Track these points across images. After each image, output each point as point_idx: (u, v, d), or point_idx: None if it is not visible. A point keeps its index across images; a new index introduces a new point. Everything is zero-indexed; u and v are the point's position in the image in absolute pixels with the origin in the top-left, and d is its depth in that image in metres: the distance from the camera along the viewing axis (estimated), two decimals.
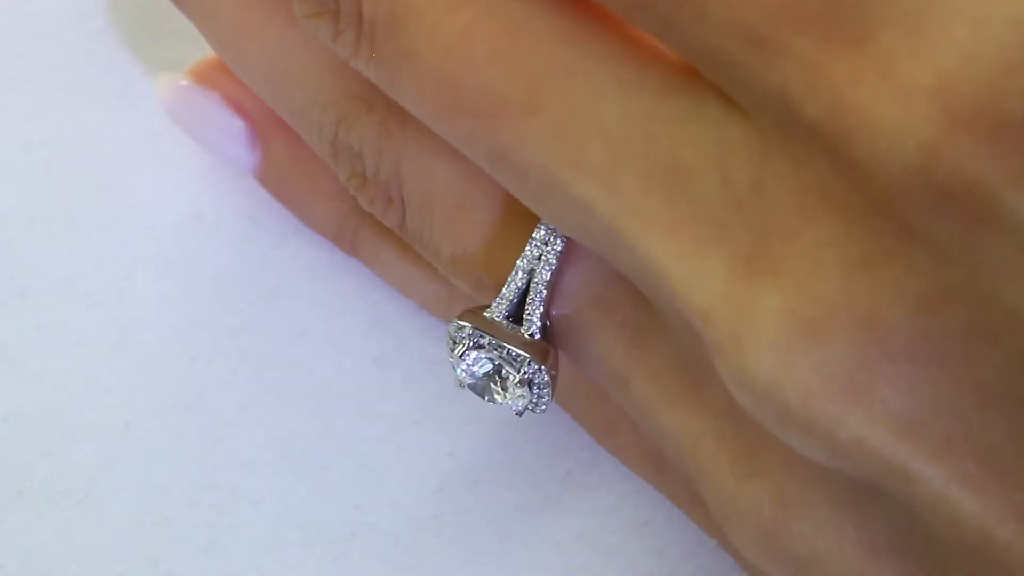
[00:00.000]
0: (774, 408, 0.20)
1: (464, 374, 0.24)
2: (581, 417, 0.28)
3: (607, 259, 0.22)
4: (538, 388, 0.24)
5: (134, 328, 0.28)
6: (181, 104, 0.29)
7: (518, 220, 0.24)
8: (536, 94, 0.21)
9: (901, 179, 0.18)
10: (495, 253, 0.24)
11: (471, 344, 0.24)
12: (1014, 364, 0.19)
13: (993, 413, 0.19)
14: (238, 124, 0.28)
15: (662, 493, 0.26)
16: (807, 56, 0.19)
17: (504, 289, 0.24)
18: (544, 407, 0.24)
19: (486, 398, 0.24)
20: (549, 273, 0.23)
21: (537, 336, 0.24)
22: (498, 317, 0.24)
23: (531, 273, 0.23)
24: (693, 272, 0.20)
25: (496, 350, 0.24)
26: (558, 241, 0.23)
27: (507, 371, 0.24)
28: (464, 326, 0.24)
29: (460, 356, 0.24)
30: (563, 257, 0.23)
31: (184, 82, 0.28)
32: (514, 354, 0.24)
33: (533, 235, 0.23)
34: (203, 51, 0.28)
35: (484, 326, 0.24)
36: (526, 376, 0.24)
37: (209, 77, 0.28)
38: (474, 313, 0.24)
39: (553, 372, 0.24)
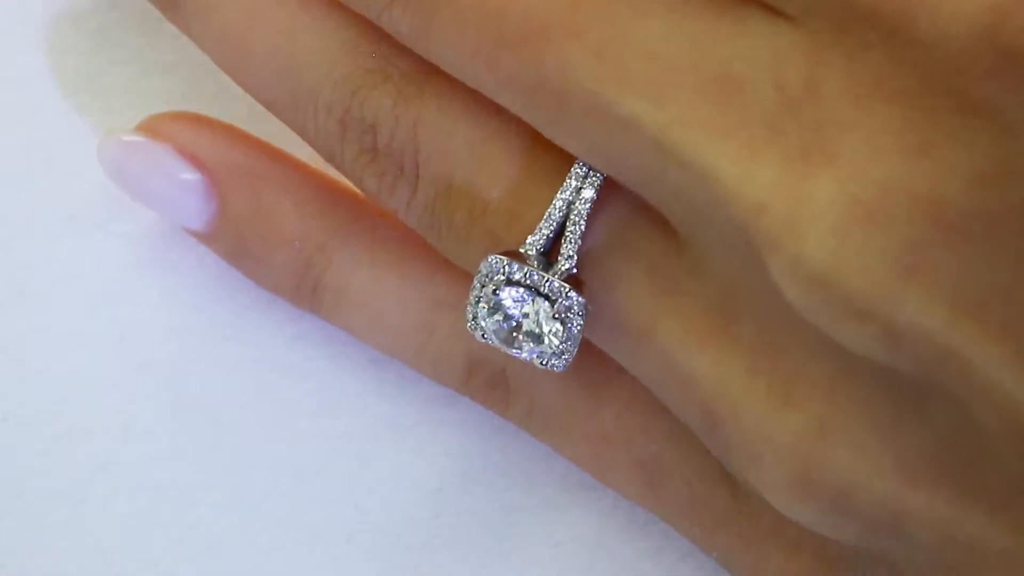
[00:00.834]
0: (832, 295, 0.20)
1: (490, 320, 0.24)
2: (566, 442, 0.27)
3: (650, 184, 0.22)
4: (573, 323, 0.23)
5: (134, 328, 0.28)
6: (130, 160, 0.27)
7: (542, 172, 0.24)
8: (579, 16, 0.22)
9: (965, 45, 0.19)
10: (519, 204, 0.24)
11: (504, 279, 0.24)
12: None
13: None
14: (194, 176, 0.27)
15: (653, 512, 0.26)
16: None
17: (541, 224, 0.24)
18: (572, 351, 0.24)
19: (512, 347, 0.24)
20: (588, 207, 0.23)
21: (574, 271, 0.24)
22: (532, 252, 0.24)
23: (568, 208, 0.24)
24: (746, 169, 0.21)
25: (533, 279, 0.23)
26: (596, 176, 0.23)
27: (539, 308, 0.24)
28: (500, 259, 0.24)
29: (494, 292, 0.24)
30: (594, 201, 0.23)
31: (133, 137, 0.27)
32: (555, 285, 0.23)
33: (571, 171, 0.23)
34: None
35: (519, 260, 0.24)
36: (563, 308, 0.23)
37: (161, 130, 0.27)
38: (505, 253, 0.24)
39: (590, 306, 0.23)
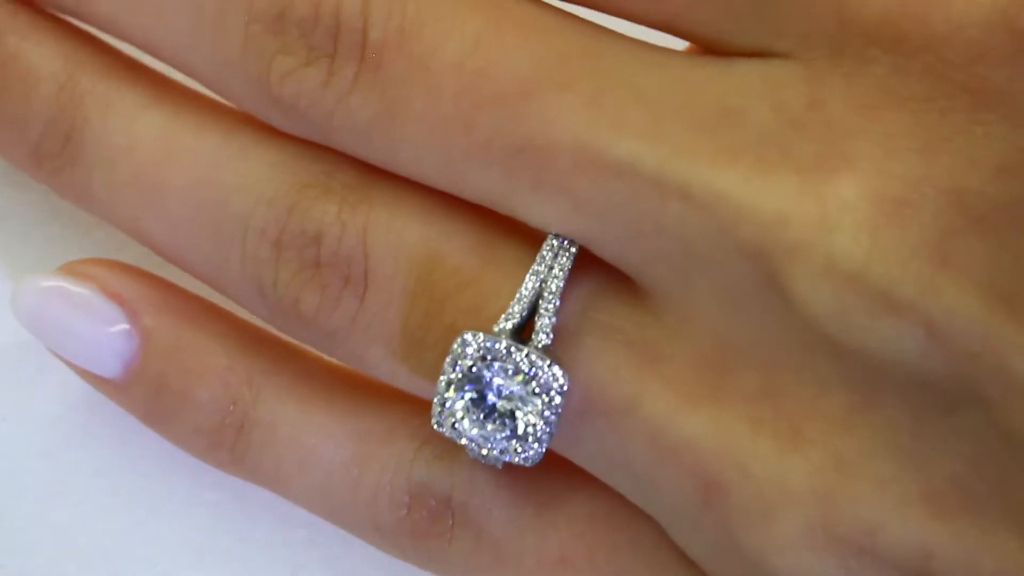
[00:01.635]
0: (868, 290, 0.20)
1: (462, 404, 0.23)
2: (520, 574, 0.25)
3: (639, 236, 0.22)
4: (553, 399, 0.22)
5: None
6: (49, 304, 0.26)
7: (504, 263, 0.23)
8: (568, 70, 0.22)
9: (982, 32, 0.20)
10: (482, 297, 0.23)
11: (480, 355, 0.23)
12: None
13: None
14: (116, 313, 0.26)
15: None
16: None
17: (513, 303, 0.23)
18: (549, 434, 0.23)
19: (484, 438, 0.23)
20: (563, 280, 0.23)
21: (550, 347, 0.23)
22: (506, 330, 0.23)
23: (541, 285, 0.23)
24: (760, 187, 0.21)
25: (511, 354, 0.22)
26: (570, 249, 0.23)
27: (517, 385, 0.23)
28: (474, 334, 0.23)
29: (469, 370, 0.23)
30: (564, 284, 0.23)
31: (52, 281, 0.26)
32: (534, 358, 0.22)
33: (544, 244, 0.23)
34: None
35: (494, 336, 0.23)
36: (543, 383, 0.22)
37: (80, 273, 0.26)
38: (478, 331, 0.23)
39: (567, 376, 0.23)
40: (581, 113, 0.22)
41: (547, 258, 0.23)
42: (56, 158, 0.26)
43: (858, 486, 0.21)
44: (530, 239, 0.24)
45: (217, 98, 0.26)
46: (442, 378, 0.23)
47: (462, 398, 0.23)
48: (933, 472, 0.21)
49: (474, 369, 0.23)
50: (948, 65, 0.21)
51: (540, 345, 0.23)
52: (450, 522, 0.24)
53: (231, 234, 0.24)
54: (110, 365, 0.26)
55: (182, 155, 0.25)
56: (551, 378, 0.22)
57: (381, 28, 0.23)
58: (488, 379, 0.23)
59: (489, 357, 0.23)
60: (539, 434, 0.23)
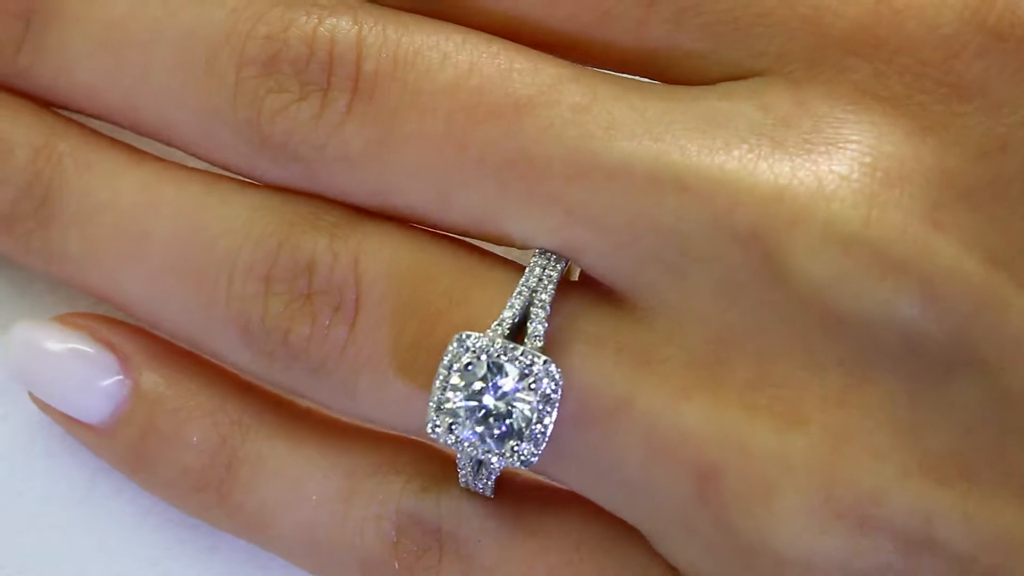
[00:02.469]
0: (867, 252, 0.21)
1: (459, 406, 0.23)
2: None
3: (633, 239, 0.22)
4: (549, 396, 0.22)
5: None
6: (41, 349, 0.26)
7: (492, 284, 0.24)
8: (558, 89, 0.23)
9: (956, 30, 0.22)
10: (473, 313, 0.24)
11: (475, 355, 0.23)
12: None
13: None
14: (107, 356, 0.26)
15: None
16: None
17: (504, 311, 0.23)
18: (546, 432, 0.23)
19: (481, 440, 0.23)
20: (553, 287, 0.23)
21: (542, 348, 0.23)
22: (498, 335, 0.23)
23: (531, 295, 0.23)
24: (755, 169, 0.22)
25: (507, 351, 0.23)
26: (557, 266, 0.23)
27: (513, 384, 0.23)
28: (469, 334, 0.23)
29: (466, 367, 0.23)
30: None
31: (43, 328, 0.26)
32: (528, 355, 0.23)
33: (533, 260, 0.23)
34: None
35: (489, 336, 0.23)
36: (539, 380, 0.22)
37: (70, 322, 0.26)
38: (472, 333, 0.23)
39: (561, 371, 0.23)
40: (572, 122, 0.23)
41: (535, 272, 0.23)
42: (29, 219, 0.26)
43: (857, 459, 0.22)
44: (515, 267, 0.24)
45: (196, 166, 0.26)
46: (437, 380, 0.23)
47: (458, 399, 0.23)
48: (931, 442, 0.22)
49: (470, 367, 0.23)
50: (925, 64, 0.22)
51: (533, 347, 0.23)
52: (438, 555, 0.24)
53: (215, 276, 0.24)
54: (98, 410, 0.26)
55: (165, 205, 0.25)
56: (547, 374, 0.23)
57: (375, 59, 0.24)
58: (483, 377, 0.23)
59: (484, 356, 0.23)
60: (536, 431, 0.23)
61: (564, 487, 0.25)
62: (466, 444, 0.23)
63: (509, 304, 0.23)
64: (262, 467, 0.25)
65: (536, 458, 0.23)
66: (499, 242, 0.24)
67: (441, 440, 0.23)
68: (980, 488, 0.22)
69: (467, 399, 0.23)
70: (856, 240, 0.21)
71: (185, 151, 0.25)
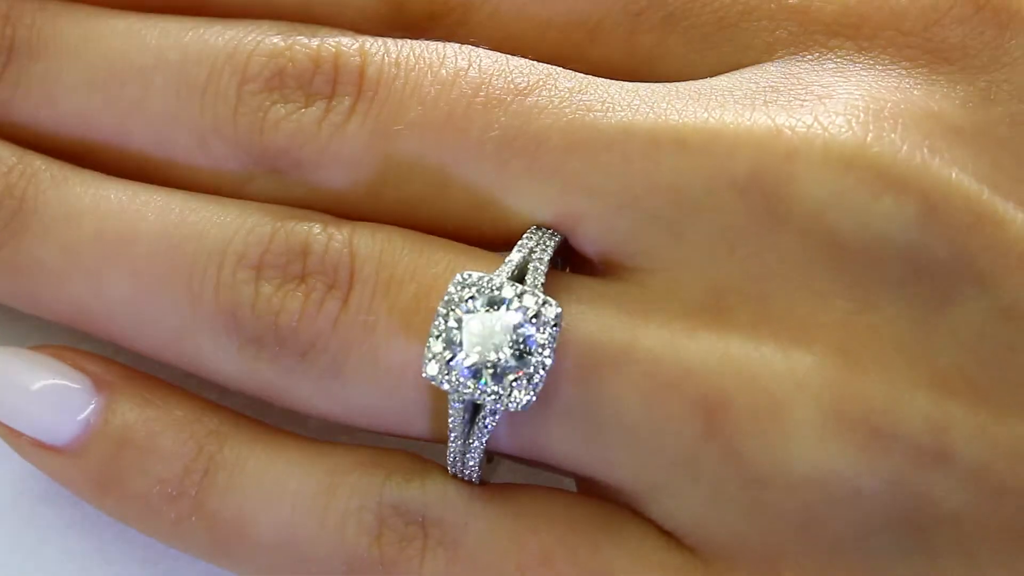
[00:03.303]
0: (867, 169, 0.22)
1: (457, 343, 0.23)
2: None
3: (632, 201, 0.23)
4: (547, 333, 0.22)
5: None
6: (10, 371, 0.26)
7: (484, 260, 0.24)
8: (555, 76, 0.24)
9: (935, 3, 0.24)
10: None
11: (474, 292, 0.23)
12: None
13: None
14: (79, 375, 0.25)
15: None
16: None
17: (503, 265, 0.23)
18: (544, 369, 0.22)
19: (478, 378, 0.23)
20: (549, 253, 0.23)
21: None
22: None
23: (529, 254, 0.23)
24: (752, 118, 0.23)
25: (506, 288, 0.23)
26: (553, 238, 0.24)
27: (512, 320, 0.22)
28: (469, 273, 0.23)
29: (469, 299, 0.23)
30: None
31: (11, 351, 0.26)
32: (527, 292, 0.23)
33: (526, 236, 0.24)
34: None
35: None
36: (538, 312, 0.22)
37: (41, 349, 0.26)
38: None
39: (560, 310, 0.23)
40: (570, 100, 0.24)
41: (532, 240, 0.24)
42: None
43: (866, 374, 0.22)
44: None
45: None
46: (436, 320, 0.23)
47: (456, 338, 0.23)
48: (938, 361, 0.22)
49: (471, 301, 0.23)
50: (907, 34, 0.24)
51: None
52: (422, 545, 0.24)
53: (204, 267, 0.24)
54: (67, 430, 0.25)
55: (151, 205, 0.25)
56: (546, 309, 0.23)
57: (378, 64, 0.25)
58: (479, 318, 0.23)
59: (485, 291, 0.23)
60: (535, 369, 0.23)
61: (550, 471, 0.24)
62: (462, 384, 0.23)
63: (507, 259, 0.23)
64: (240, 471, 0.25)
65: (534, 397, 0.23)
66: (495, 225, 0.24)
67: (438, 381, 0.23)
68: (991, 402, 0.22)
69: (467, 329, 0.23)
70: (855, 160, 0.22)
71: (176, 175, 0.26)
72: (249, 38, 0.25)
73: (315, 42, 0.25)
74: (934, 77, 0.24)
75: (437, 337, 0.23)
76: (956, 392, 0.22)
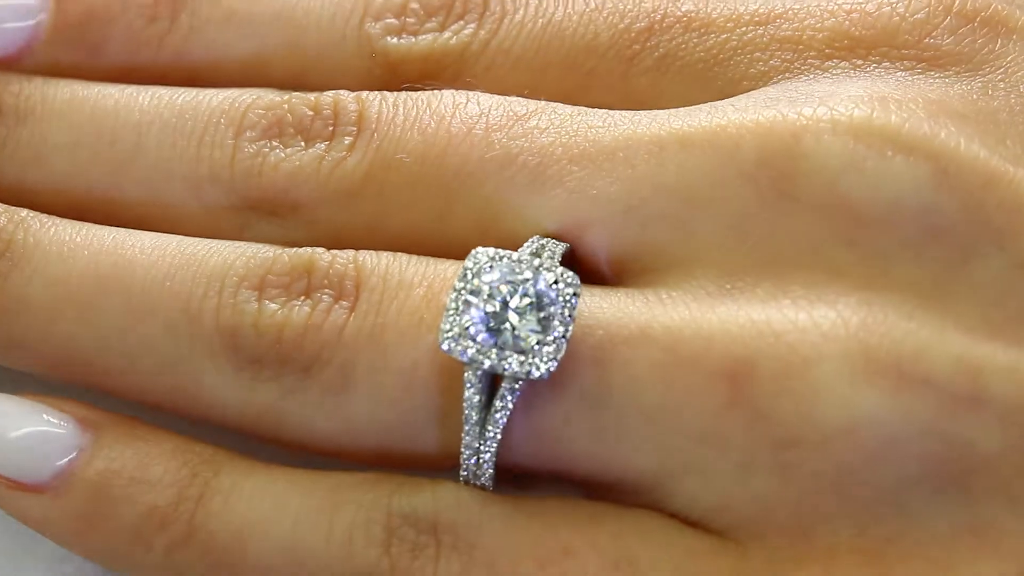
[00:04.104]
0: (876, 136, 0.23)
1: (477, 310, 0.23)
2: None
3: (637, 206, 0.23)
4: (566, 298, 0.22)
5: None
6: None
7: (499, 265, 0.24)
8: (554, 104, 0.25)
9: (928, 14, 0.24)
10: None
11: (490, 263, 0.23)
12: None
13: None
14: (62, 415, 0.25)
15: None
16: None
17: (520, 249, 0.23)
18: (564, 336, 0.22)
19: (496, 346, 0.22)
20: (559, 252, 0.23)
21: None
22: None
23: (539, 251, 0.23)
24: (757, 111, 0.23)
25: (521, 260, 0.23)
26: (559, 244, 0.24)
27: (531, 287, 0.23)
28: (488, 248, 0.23)
29: (489, 267, 0.23)
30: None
31: None
32: (546, 263, 0.23)
33: (530, 240, 0.24)
34: None
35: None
36: (555, 281, 0.23)
37: (24, 398, 0.25)
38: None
39: (579, 282, 0.23)
40: (572, 118, 0.24)
41: (538, 242, 0.24)
42: None
43: (891, 323, 0.22)
44: None
45: None
46: (452, 294, 0.23)
47: (475, 307, 0.23)
48: (962, 313, 0.22)
49: (489, 268, 0.23)
50: (902, 47, 0.24)
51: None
52: (435, 551, 0.23)
53: (204, 292, 0.24)
54: (50, 468, 0.24)
55: (148, 240, 0.25)
56: (565, 278, 0.23)
57: (376, 106, 0.25)
58: (499, 286, 0.23)
59: (501, 262, 0.23)
60: (554, 337, 0.22)
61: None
62: (481, 349, 0.22)
63: (520, 250, 0.23)
64: (238, 494, 0.24)
65: (554, 364, 0.22)
66: (501, 244, 0.24)
67: (454, 351, 0.23)
68: (1018, 347, 0.22)
69: (485, 301, 0.23)
70: (863, 129, 0.23)
71: (169, 227, 0.25)
72: (245, 96, 0.25)
73: (312, 96, 0.25)
74: (932, 77, 0.24)
75: (454, 311, 0.23)
76: (985, 337, 0.22)
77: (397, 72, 0.26)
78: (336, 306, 0.24)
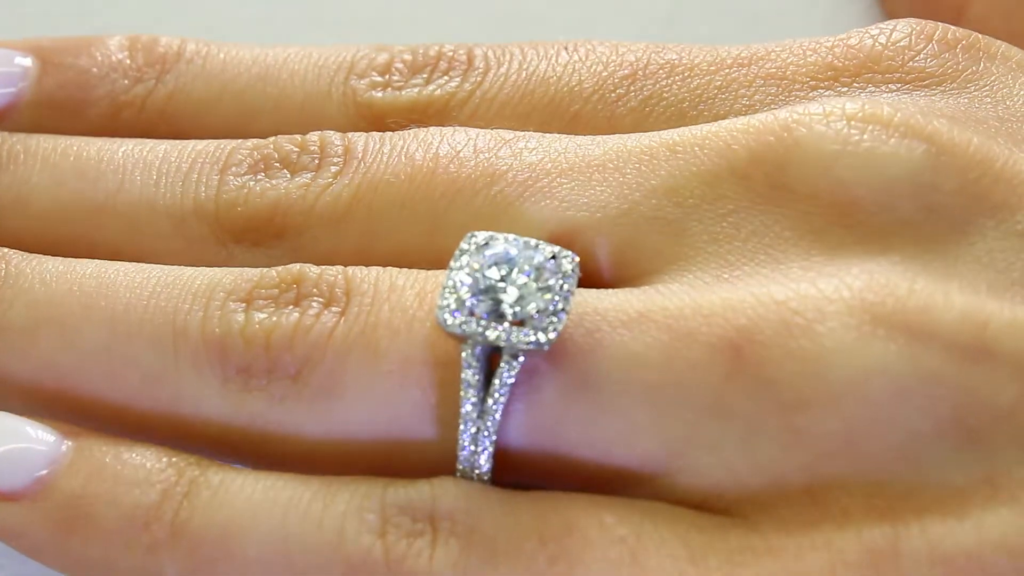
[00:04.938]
0: (870, 121, 0.23)
1: (476, 280, 0.23)
2: (519, 559, 0.23)
3: (635, 195, 0.24)
4: (563, 271, 0.23)
5: None
6: None
7: None
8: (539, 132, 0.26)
9: (909, 43, 0.25)
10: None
11: (486, 240, 0.23)
12: None
13: None
14: (41, 426, 0.24)
15: None
16: None
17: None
18: (564, 309, 0.22)
19: (494, 319, 0.22)
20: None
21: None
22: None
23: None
24: (746, 119, 0.24)
25: (517, 239, 0.23)
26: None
27: (528, 264, 0.23)
28: (484, 232, 0.23)
29: (485, 244, 0.23)
30: None
31: None
32: (544, 243, 0.23)
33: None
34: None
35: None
36: (553, 256, 0.23)
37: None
38: None
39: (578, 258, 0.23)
40: (558, 139, 0.25)
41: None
42: None
43: (893, 283, 0.22)
44: None
45: None
46: (448, 272, 0.23)
47: (473, 280, 0.23)
48: (965, 279, 0.22)
49: (488, 245, 0.23)
50: (886, 71, 0.25)
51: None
52: (431, 537, 0.23)
53: (190, 308, 0.24)
54: (29, 473, 0.24)
55: (131, 266, 0.25)
56: (562, 256, 0.23)
57: (363, 141, 0.25)
58: (497, 261, 0.23)
59: (497, 240, 0.23)
60: (554, 308, 0.22)
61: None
62: (480, 321, 0.22)
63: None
64: (226, 489, 0.23)
65: (555, 334, 0.22)
66: None
67: (453, 325, 0.22)
68: None
69: (483, 275, 0.23)
70: (857, 116, 0.23)
71: (151, 260, 0.25)
72: (230, 142, 0.26)
73: (299, 136, 0.26)
74: (918, 96, 0.25)
75: (451, 287, 0.23)
76: (990, 298, 0.22)
77: (382, 123, 0.26)
78: (326, 311, 0.23)
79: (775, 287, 0.22)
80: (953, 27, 0.26)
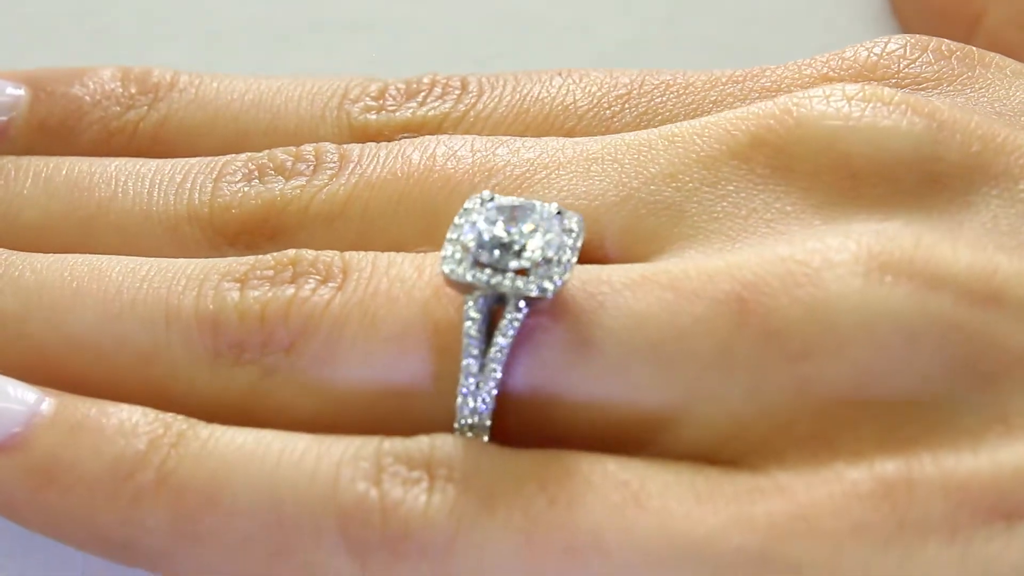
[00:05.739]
0: (871, 100, 0.24)
1: (481, 232, 0.23)
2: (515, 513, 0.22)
3: (633, 182, 0.24)
4: (569, 224, 0.23)
5: None
6: None
7: None
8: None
9: (904, 52, 0.26)
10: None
11: (490, 196, 0.23)
12: None
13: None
14: (22, 385, 0.24)
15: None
16: None
17: None
18: (570, 260, 0.22)
19: (500, 266, 0.22)
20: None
21: None
22: None
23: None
24: (744, 108, 0.25)
25: (522, 202, 0.23)
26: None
27: (529, 222, 0.23)
28: (486, 191, 0.23)
29: (490, 199, 0.23)
30: None
31: None
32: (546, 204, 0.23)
33: None
34: (200, 49, 0.28)
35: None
36: (560, 213, 0.23)
37: None
38: None
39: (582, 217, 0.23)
40: (555, 139, 0.25)
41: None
42: None
43: (898, 239, 0.22)
44: None
45: None
46: (452, 226, 0.23)
47: (478, 229, 0.23)
48: (971, 238, 0.23)
49: (489, 199, 0.23)
50: (881, 77, 0.25)
51: None
52: (428, 484, 0.22)
53: (183, 289, 0.24)
54: (8, 426, 0.23)
55: (124, 257, 0.25)
56: (567, 213, 0.23)
57: (359, 148, 0.26)
58: (502, 214, 0.23)
59: (501, 196, 0.23)
60: (559, 258, 0.22)
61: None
62: (484, 269, 0.22)
63: None
64: (216, 439, 0.23)
65: (560, 282, 0.22)
66: None
67: (457, 274, 0.22)
68: None
69: (488, 225, 0.23)
70: (857, 95, 0.24)
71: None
72: (223, 156, 0.26)
73: (293, 147, 0.26)
74: (916, 95, 0.25)
75: (455, 239, 0.23)
76: (997, 252, 0.22)
77: (378, 138, 0.27)
78: (323, 287, 0.23)
79: (780, 247, 0.23)
80: (947, 40, 0.26)
